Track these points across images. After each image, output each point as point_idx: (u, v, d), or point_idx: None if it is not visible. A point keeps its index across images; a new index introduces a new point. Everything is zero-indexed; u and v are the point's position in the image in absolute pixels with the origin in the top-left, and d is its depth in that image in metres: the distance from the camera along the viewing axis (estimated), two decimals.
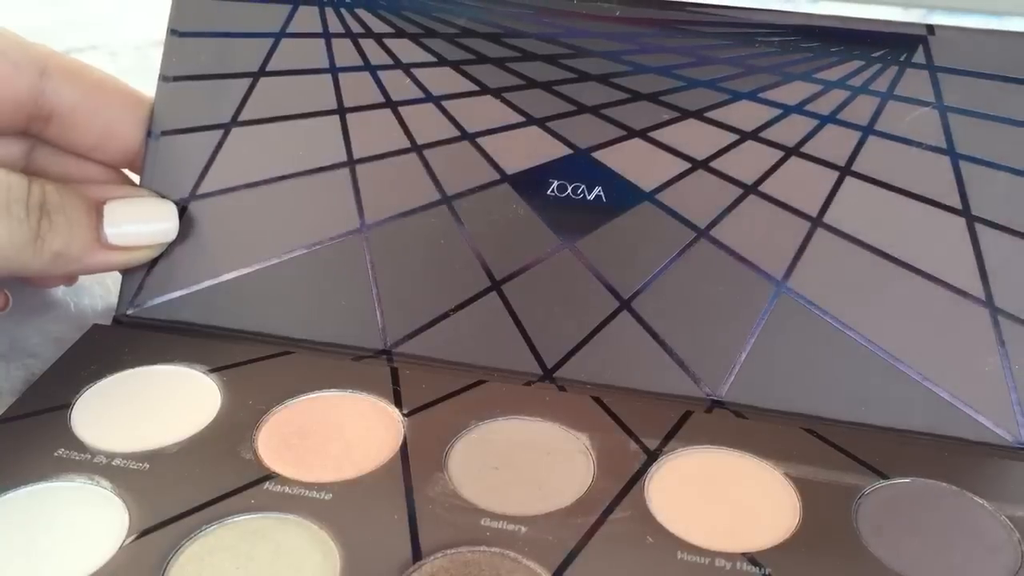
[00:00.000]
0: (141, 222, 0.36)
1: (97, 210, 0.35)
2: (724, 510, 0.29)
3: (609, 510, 0.29)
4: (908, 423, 0.33)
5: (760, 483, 0.30)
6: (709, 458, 0.31)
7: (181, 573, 0.26)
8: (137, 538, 0.27)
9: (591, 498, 0.29)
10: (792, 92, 0.35)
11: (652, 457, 0.31)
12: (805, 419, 0.33)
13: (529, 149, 0.36)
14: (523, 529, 0.28)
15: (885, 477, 0.31)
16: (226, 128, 0.37)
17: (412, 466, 0.30)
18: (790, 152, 0.35)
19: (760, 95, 0.35)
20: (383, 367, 0.35)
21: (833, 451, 0.32)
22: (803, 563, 0.27)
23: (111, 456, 0.30)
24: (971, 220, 0.34)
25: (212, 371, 0.34)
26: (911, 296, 0.34)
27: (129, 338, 0.36)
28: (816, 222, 0.35)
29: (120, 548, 0.27)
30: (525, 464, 0.31)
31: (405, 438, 0.31)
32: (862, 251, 0.34)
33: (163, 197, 0.37)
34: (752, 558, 0.28)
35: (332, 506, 0.29)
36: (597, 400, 0.33)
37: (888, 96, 0.35)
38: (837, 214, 0.35)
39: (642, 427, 0.32)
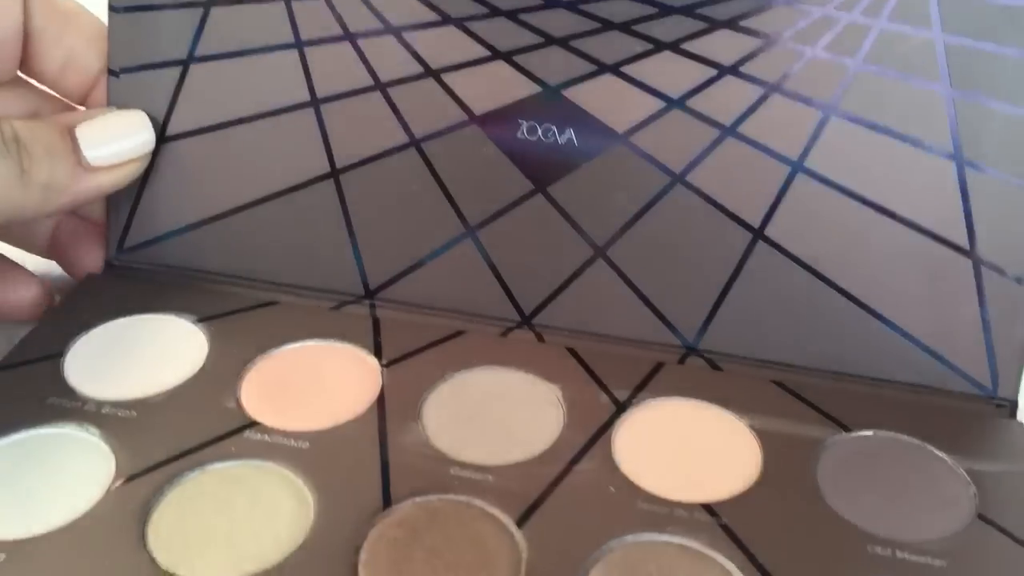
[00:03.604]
0: (117, 138, 0.35)
1: (71, 135, 0.34)
2: (687, 461, 0.30)
3: (575, 460, 0.30)
4: (883, 372, 0.34)
5: (724, 434, 0.31)
6: (676, 409, 0.32)
7: (163, 517, 0.28)
8: (123, 483, 0.29)
9: (558, 449, 0.30)
10: (775, 19, 0.33)
11: (621, 408, 0.32)
12: (780, 368, 0.34)
13: (496, 87, 0.35)
14: (490, 478, 0.29)
15: (847, 430, 0.31)
16: (184, 65, 0.37)
17: (388, 416, 0.31)
18: (771, 89, 0.34)
19: (741, 23, 0.34)
20: (365, 318, 0.36)
21: (799, 404, 0.32)
22: (758, 513, 0.28)
23: (100, 404, 0.31)
24: (961, 165, 0.33)
25: (200, 321, 0.35)
26: (892, 244, 0.34)
27: (120, 287, 0.37)
28: (797, 166, 0.35)
29: (106, 493, 0.28)
30: (497, 415, 0.32)
31: (383, 388, 0.32)
32: (843, 197, 0.34)
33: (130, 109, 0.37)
34: (710, 508, 0.29)
35: (309, 454, 0.30)
36: (572, 351, 0.34)
37: (882, 23, 0.33)
38: (819, 157, 0.34)
39: (613, 379, 0.33)
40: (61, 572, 0.26)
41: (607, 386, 0.33)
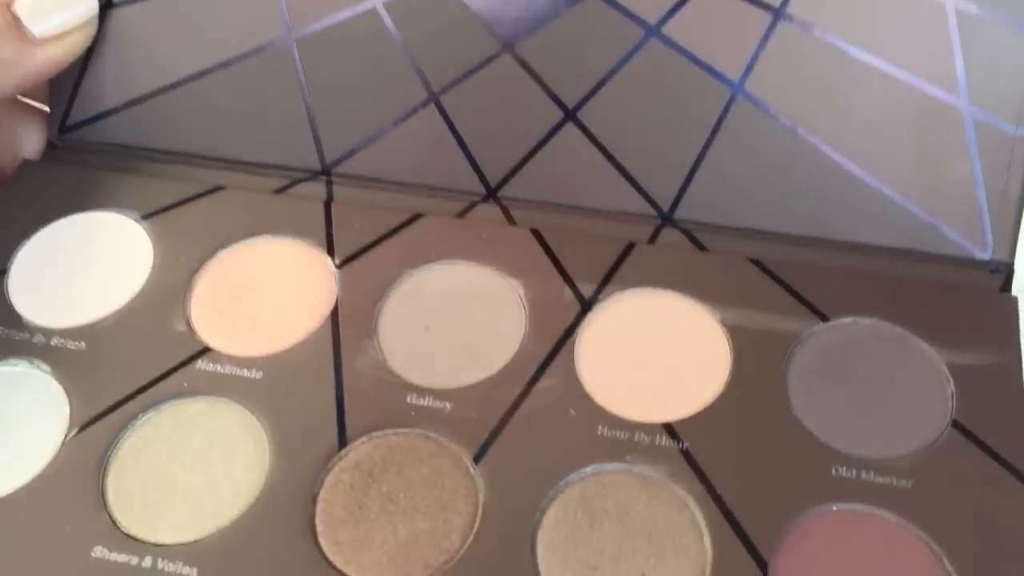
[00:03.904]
0: (59, 7, 0.33)
1: (10, 11, 0.32)
2: (652, 371, 0.29)
3: (535, 378, 0.29)
4: (870, 237, 0.31)
5: (693, 336, 0.30)
6: (644, 306, 0.30)
7: (121, 472, 0.28)
8: (78, 432, 0.28)
9: (519, 364, 0.29)
10: None
11: (586, 307, 0.30)
12: (759, 238, 0.32)
13: None
14: (448, 406, 0.28)
15: (824, 318, 0.30)
16: None
17: (342, 332, 0.30)
18: None
19: None
20: (318, 205, 0.33)
21: (776, 288, 0.30)
22: (722, 434, 0.28)
23: (49, 334, 0.31)
24: (954, 6, 0.29)
25: (144, 218, 0.33)
26: (880, 98, 0.31)
27: (59, 176, 0.35)
28: (779, 14, 0.31)
29: (63, 444, 0.28)
30: (456, 323, 0.30)
31: (337, 298, 0.31)
32: (828, 47, 0.30)
33: None
34: (672, 430, 0.28)
35: (262, 386, 0.29)
36: (537, 236, 0.32)
37: None
38: (802, 3, 0.30)
39: (579, 268, 0.31)
40: (23, 542, 0.27)
41: (573, 279, 0.31)
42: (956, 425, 0.27)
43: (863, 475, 0.27)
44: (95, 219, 0.34)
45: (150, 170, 0.35)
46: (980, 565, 0.25)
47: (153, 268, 0.32)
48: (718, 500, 0.26)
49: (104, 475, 0.28)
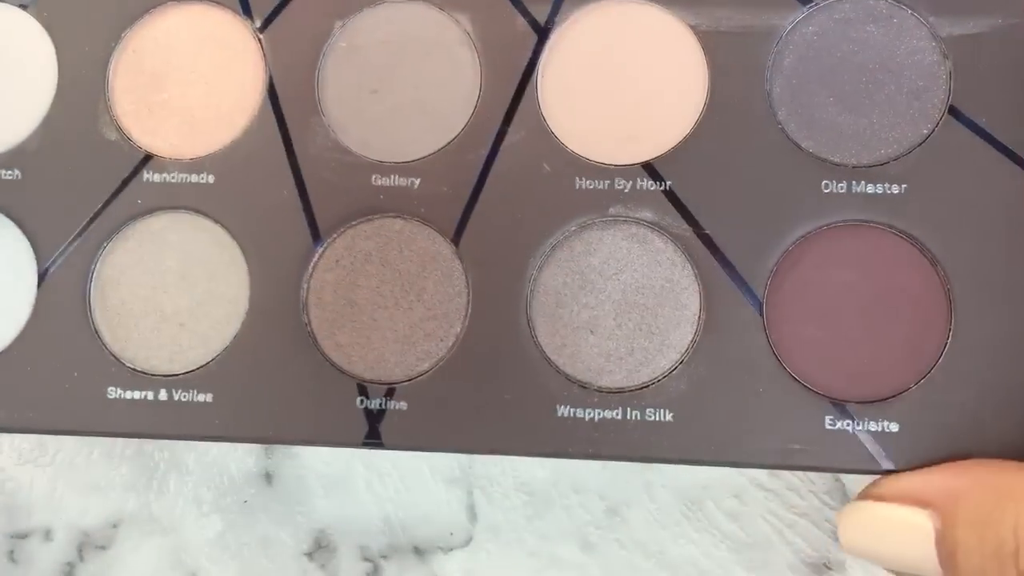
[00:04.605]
0: None
1: None
2: (623, 102, 0.27)
3: (502, 133, 0.27)
4: None
5: (664, 52, 0.27)
6: (604, 23, 0.27)
7: (105, 305, 0.27)
8: (50, 270, 0.28)
9: (481, 118, 0.27)
10: None
11: (542, 34, 0.27)
12: None
13: None
14: (416, 182, 0.27)
15: (807, 1, 0.26)
16: None
17: (285, 112, 0.28)
18: None
19: None
20: None
21: None
22: (705, 165, 0.26)
23: None
24: None
25: (28, 3, 0.29)
26: None
27: None
28: None
29: (40, 287, 0.28)
30: (404, 79, 0.27)
31: (268, 70, 0.28)
32: None
33: None
34: (652, 169, 0.26)
35: (218, 191, 0.27)
36: None
37: None
38: None
39: None
40: (37, 396, 0.27)
41: (522, 1, 0.27)
42: (953, 112, 0.26)
43: (854, 187, 0.26)
44: None
45: None
46: (974, 265, 0.25)
47: (58, 64, 0.29)
48: (706, 240, 0.26)
49: (91, 313, 0.27)
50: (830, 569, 0.31)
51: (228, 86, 0.28)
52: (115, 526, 0.34)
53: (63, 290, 0.27)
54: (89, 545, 0.34)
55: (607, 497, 0.32)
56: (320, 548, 0.33)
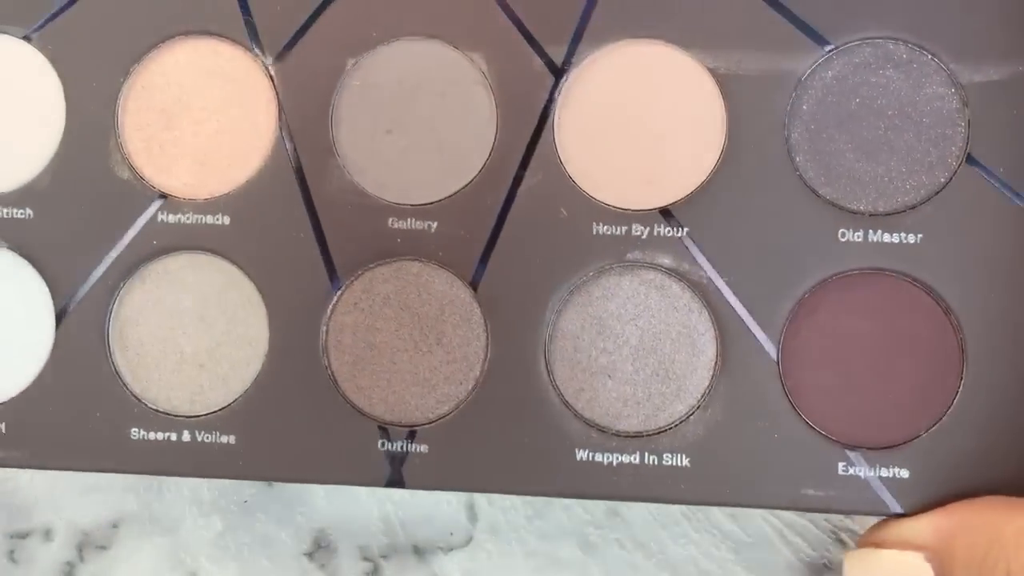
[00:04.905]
0: None
1: None
2: (641, 146, 0.27)
3: (519, 178, 0.27)
4: None
5: (682, 93, 0.27)
6: (622, 64, 0.27)
7: (124, 345, 0.28)
8: (67, 309, 0.28)
9: (498, 161, 0.27)
10: None
11: (559, 75, 0.27)
12: None
13: None
14: (433, 225, 0.27)
15: (824, 42, 0.26)
16: None
17: (300, 151, 0.27)
18: None
19: None
20: None
21: (769, 13, 0.26)
22: (722, 211, 0.26)
23: None
24: None
25: (34, 32, 0.28)
26: None
27: None
28: None
29: (59, 327, 0.28)
30: (419, 120, 0.27)
31: (281, 107, 0.27)
32: None
33: None
34: (669, 215, 0.26)
35: (233, 233, 0.27)
36: None
37: None
38: None
39: (545, 26, 0.27)
40: (59, 435, 0.28)
41: (538, 41, 0.27)
42: (970, 160, 0.26)
43: (871, 235, 0.26)
44: None
45: None
46: (987, 314, 0.25)
47: (66, 101, 0.28)
48: (723, 287, 0.26)
49: (111, 353, 0.28)
50: (830, 569, 0.32)
51: (240, 124, 0.28)
52: (115, 526, 0.34)
53: (82, 330, 0.28)
54: (89, 545, 0.34)
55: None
56: (320, 548, 0.33)
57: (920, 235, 0.26)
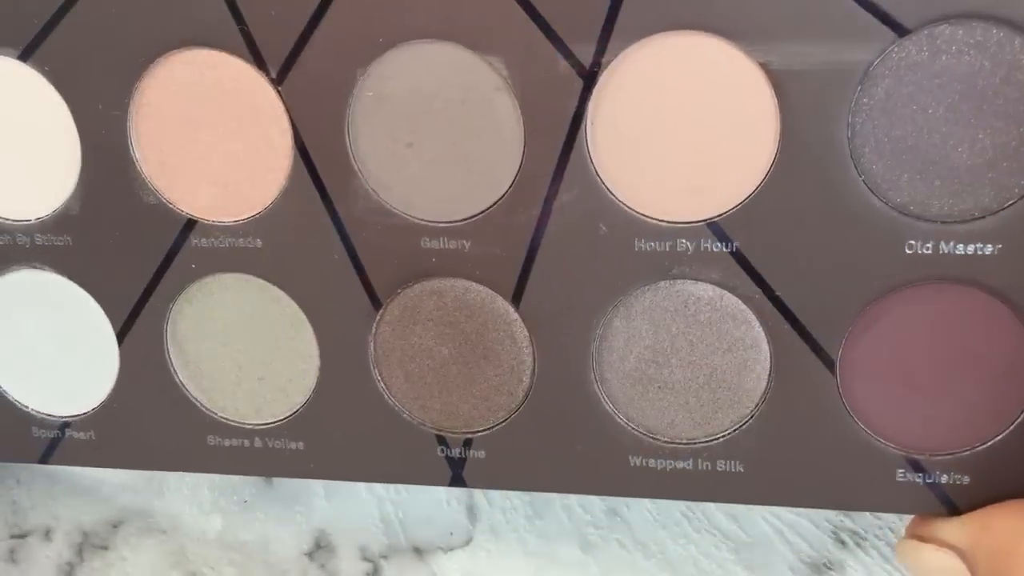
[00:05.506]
0: None
1: None
2: (684, 153, 0.24)
3: (552, 195, 0.25)
4: None
5: (728, 89, 0.23)
6: (660, 62, 0.23)
7: (185, 362, 0.29)
8: (126, 329, 0.28)
9: (528, 175, 0.25)
10: None
11: (589, 79, 0.24)
12: None
13: None
14: (467, 244, 0.26)
15: (902, 32, 0.22)
16: None
17: (320, 170, 0.26)
18: None
19: None
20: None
21: None
22: (775, 223, 0.24)
23: (28, 232, 0.28)
24: None
25: (28, 51, 0.27)
26: None
27: None
28: None
29: (121, 348, 0.29)
30: (440, 131, 0.25)
31: (295, 126, 0.26)
32: None
33: None
34: (718, 228, 0.24)
35: (267, 256, 0.27)
36: None
37: None
38: None
39: (569, 22, 0.23)
40: (142, 443, 0.29)
41: (563, 40, 0.24)
42: None
43: (942, 247, 0.23)
44: None
45: None
46: None
47: (76, 124, 0.27)
48: (777, 302, 0.24)
49: (175, 370, 0.29)
50: (830, 569, 0.31)
51: (255, 143, 0.26)
52: (115, 526, 0.34)
53: (142, 349, 0.28)
54: (89, 545, 0.34)
55: (607, 497, 0.32)
56: (320, 548, 0.33)
57: (999, 246, 0.23)
